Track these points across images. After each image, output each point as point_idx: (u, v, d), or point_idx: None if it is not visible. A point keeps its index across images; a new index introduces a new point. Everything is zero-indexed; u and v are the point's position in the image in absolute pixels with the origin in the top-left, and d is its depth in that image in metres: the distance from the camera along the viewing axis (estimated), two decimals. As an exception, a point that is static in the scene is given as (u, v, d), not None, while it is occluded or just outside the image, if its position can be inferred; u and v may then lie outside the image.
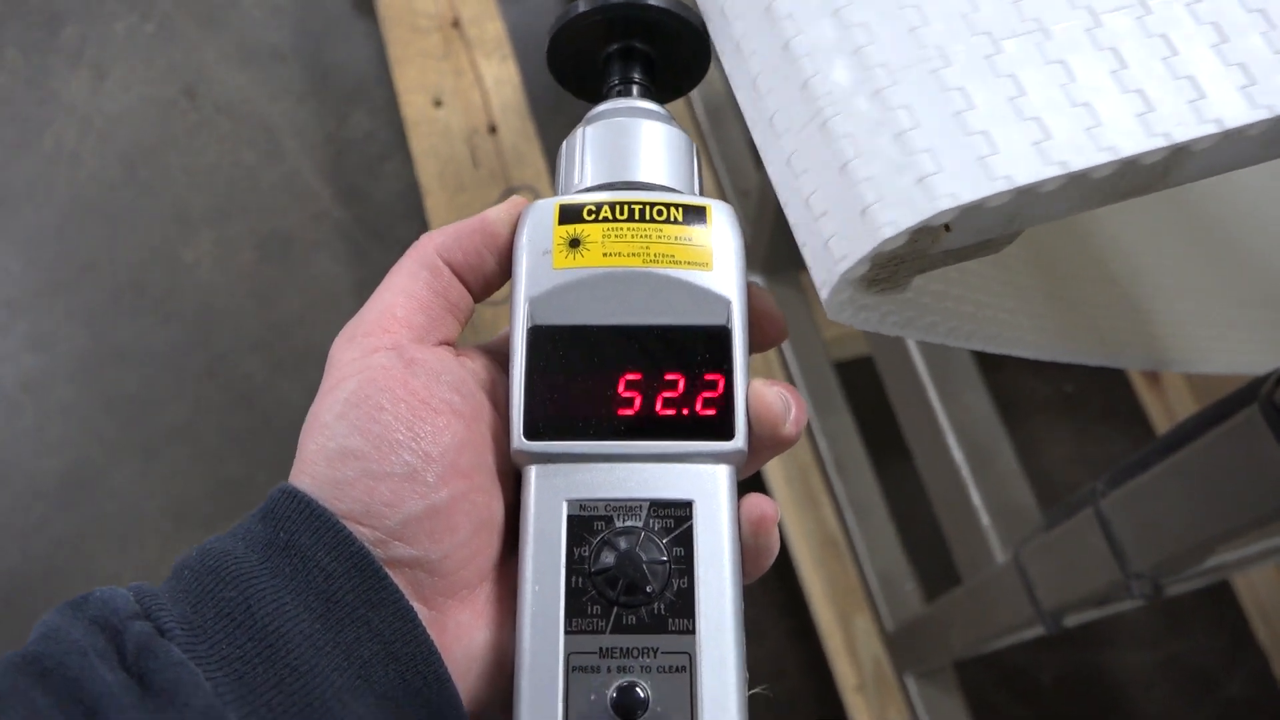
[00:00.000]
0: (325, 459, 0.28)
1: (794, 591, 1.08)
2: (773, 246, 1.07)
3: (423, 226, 1.34)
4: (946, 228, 0.27)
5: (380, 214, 1.40)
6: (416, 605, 0.28)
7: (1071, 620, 0.63)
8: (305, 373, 1.31)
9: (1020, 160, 0.25)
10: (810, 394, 1.07)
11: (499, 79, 1.30)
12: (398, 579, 0.28)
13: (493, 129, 1.27)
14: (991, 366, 0.97)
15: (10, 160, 1.42)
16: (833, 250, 0.27)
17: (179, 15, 1.52)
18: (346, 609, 0.26)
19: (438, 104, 1.29)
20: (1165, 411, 1.21)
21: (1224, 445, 0.44)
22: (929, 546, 1.10)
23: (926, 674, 0.98)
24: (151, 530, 1.23)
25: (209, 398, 1.29)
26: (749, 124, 0.31)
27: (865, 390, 1.12)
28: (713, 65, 0.36)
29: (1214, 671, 1.16)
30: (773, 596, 1.14)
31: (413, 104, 1.30)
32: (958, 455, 0.74)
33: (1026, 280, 0.41)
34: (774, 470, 1.08)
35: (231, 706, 0.24)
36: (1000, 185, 0.25)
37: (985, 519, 0.72)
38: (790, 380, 1.11)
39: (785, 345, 1.13)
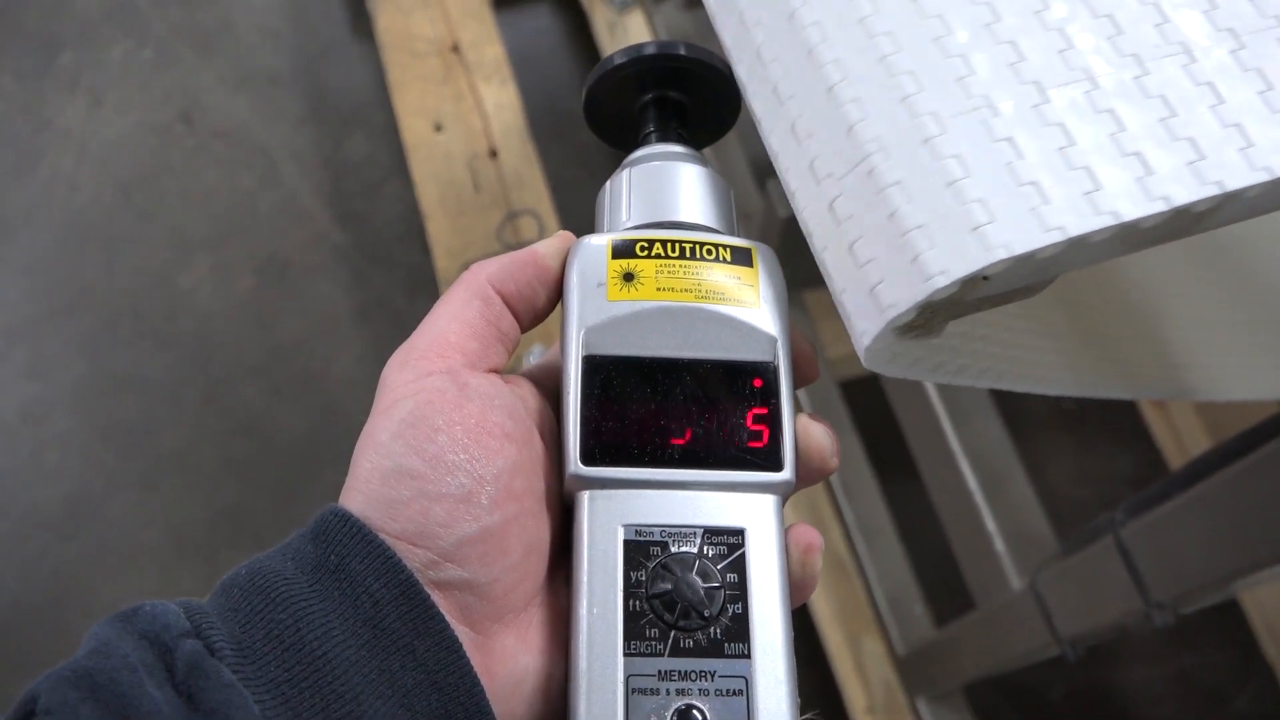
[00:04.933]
0: (380, 478, 0.28)
1: (802, 614, 1.07)
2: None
3: (423, 250, 1.34)
4: (985, 277, 0.27)
5: (379, 238, 1.39)
6: (463, 629, 0.28)
7: (1088, 640, 0.63)
8: (304, 398, 1.30)
9: (1072, 210, 0.25)
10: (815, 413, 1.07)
11: (499, 103, 1.30)
12: (446, 601, 0.28)
13: (493, 153, 1.27)
14: (997, 387, 0.97)
15: (6, 187, 1.41)
16: (880, 298, 0.27)
17: (175, 41, 1.52)
18: (393, 636, 0.26)
19: (438, 128, 1.29)
20: (1169, 428, 1.22)
21: (1251, 476, 0.44)
22: (937, 567, 1.10)
23: (938, 697, 0.97)
24: (151, 559, 1.22)
25: (208, 424, 1.29)
26: (780, 169, 0.31)
27: (870, 409, 1.12)
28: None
29: (1223, 687, 1.16)
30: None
31: (413, 128, 1.30)
32: (970, 480, 0.74)
33: (1052, 316, 0.41)
34: (780, 492, 1.08)
35: None
36: (1054, 236, 0.25)
37: (999, 544, 0.72)
38: (794, 398, 1.11)
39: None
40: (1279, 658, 1.13)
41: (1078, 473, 1.28)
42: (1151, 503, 0.51)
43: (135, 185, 1.42)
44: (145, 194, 1.41)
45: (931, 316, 0.29)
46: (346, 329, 1.34)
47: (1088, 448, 1.29)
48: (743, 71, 0.33)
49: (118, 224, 1.39)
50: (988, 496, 0.74)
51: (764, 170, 1.08)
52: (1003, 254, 0.25)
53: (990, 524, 0.73)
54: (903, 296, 0.26)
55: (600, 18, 1.34)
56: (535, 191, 1.26)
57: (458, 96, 1.31)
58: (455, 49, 1.34)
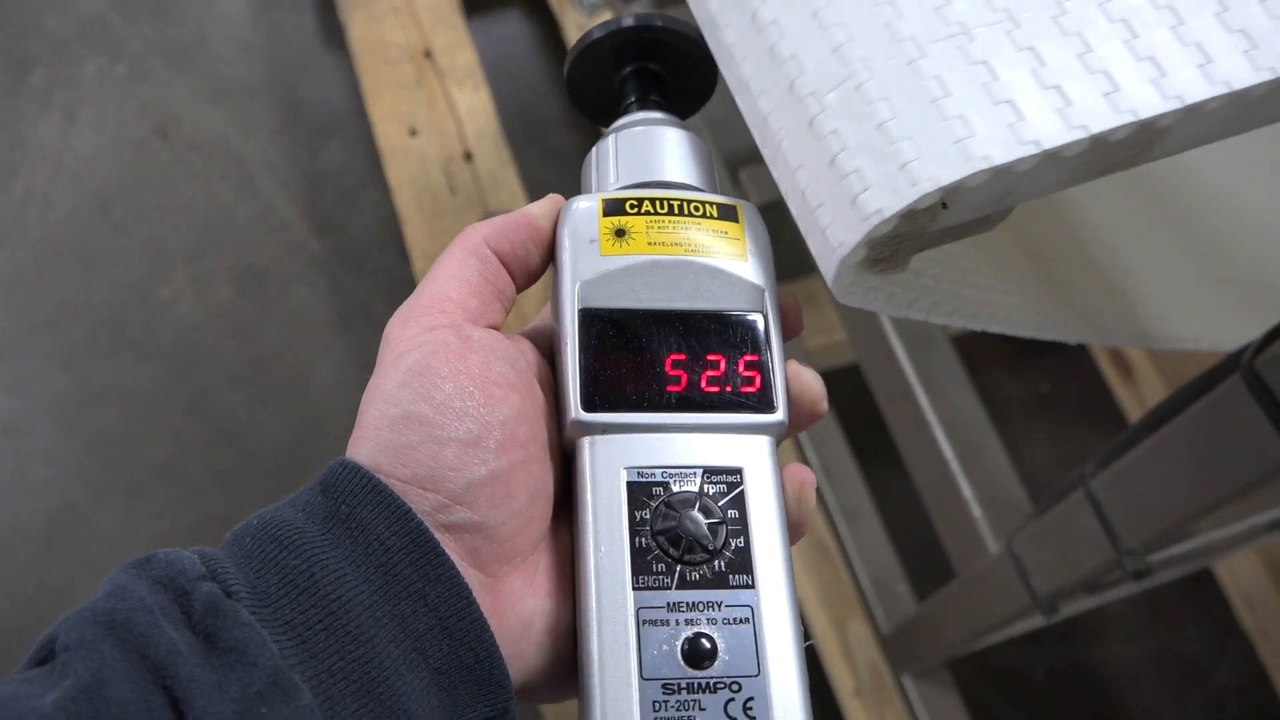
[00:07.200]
0: (389, 424, 0.29)
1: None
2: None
3: (401, 255, 1.35)
4: (944, 205, 0.28)
5: (357, 245, 1.40)
6: (473, 572, 0.28)
7: (1067, 608, 0.64)
8: (287, 406, 1.30)
9: (996, 142, 0.27)
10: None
11: (472, 107, 1.32)
12: (456, 545, 0.28)
13: (468, 156, 1.29)
14: (969, 369, 0.99)
15: (-18, 205, 1.42)
16: (830, 239, 0.28)
17: (149, 56, 1.53)
18: (404, 583, 0.27)
19: (413, 133, 1.30)
20: (1140, 407, 1.24)
21: (1209, 415, 0.45)
22: (918, 551, 1.11)
23: (924, 673, 0.98)
24: (138, 570, 1.22)
25: (191, 435, 1.29)
26: (749, 125, 0.33)
27: (848, 399, 1.14)
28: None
29: (1202, 660, 1.18)
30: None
31: (388, 134, 1.31)
32: (947, 450, 0.76)
33: (1015, 265, 0.43)
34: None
35: (295, 669, 0.25)
36: (979, 165, 0.26)
37: (977, 511, 0.74)
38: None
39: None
40: (1256, 627, 1.14)
41: (1054, 456, 1.29)
42: (1120, 451, 0.53)
43: (112, 199, 1.42)
44: (122, 208, 1.42)
45: (896, 249, 0.30)
46: (327, 336, 1.35)
47: (1062, 431, 1.31)
48: (707, 38, 0.34)
49: (95, 238, 1.40)
50: (964, 465, 0.75)
51: (736, 162, 1.10)
52: (930, 187, 0.26)
53: (967, 491, 0.74)
54: (848, 236, 0.28)
55: (571, 21, 1.36)
56: (510, 192, 1.27)
57: (431, 101, 1.32)
58: (428, 55, 1.35)
